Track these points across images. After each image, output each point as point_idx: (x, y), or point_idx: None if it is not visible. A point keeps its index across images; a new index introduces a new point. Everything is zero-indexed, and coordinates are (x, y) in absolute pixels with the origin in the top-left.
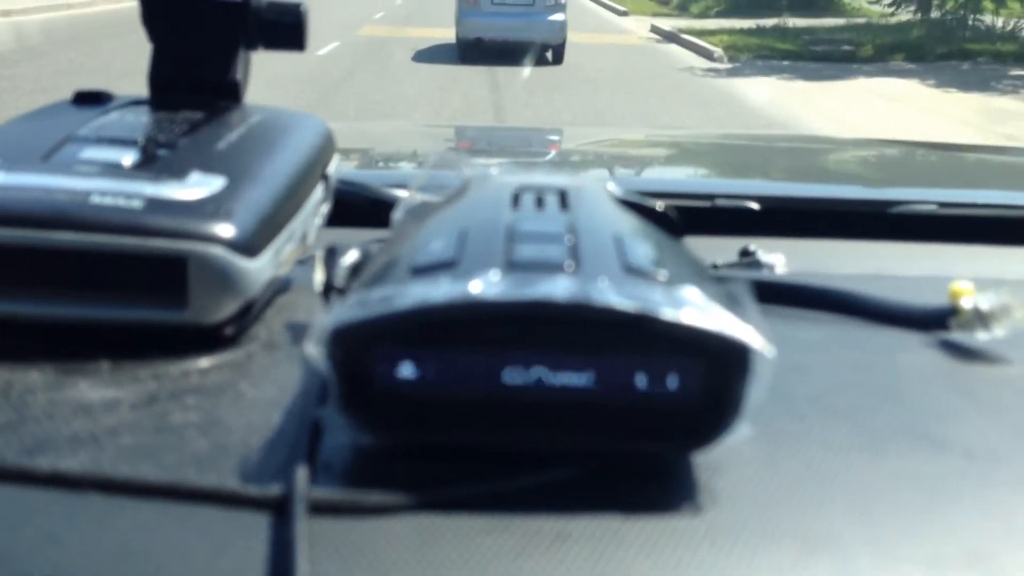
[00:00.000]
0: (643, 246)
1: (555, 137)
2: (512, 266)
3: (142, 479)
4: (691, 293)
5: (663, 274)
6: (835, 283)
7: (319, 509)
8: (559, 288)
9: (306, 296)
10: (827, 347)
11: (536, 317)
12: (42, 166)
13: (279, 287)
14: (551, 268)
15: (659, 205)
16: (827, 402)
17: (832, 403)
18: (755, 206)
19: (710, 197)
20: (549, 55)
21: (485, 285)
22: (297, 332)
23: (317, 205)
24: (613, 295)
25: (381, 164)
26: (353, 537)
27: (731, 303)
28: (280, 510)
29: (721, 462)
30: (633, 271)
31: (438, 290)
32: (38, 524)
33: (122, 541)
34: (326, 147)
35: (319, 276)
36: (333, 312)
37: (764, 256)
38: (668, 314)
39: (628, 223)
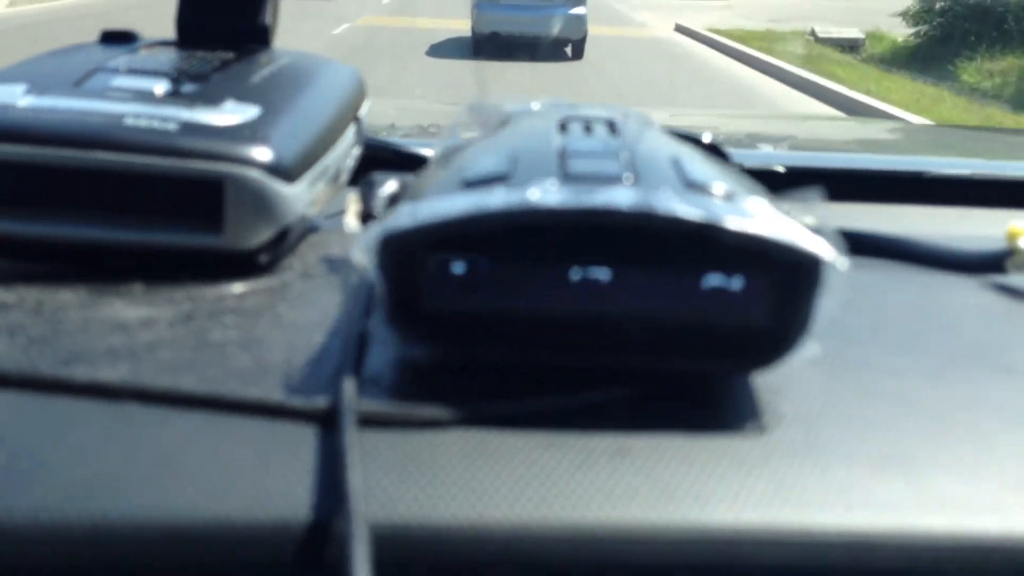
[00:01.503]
0: (701, 164)
1: None
2: (569, 178)
3: (183, 390)
4: (757, 204)
5: (725, 189)
6: None
7: (368, 422)
8: (621, 197)
9: (339, 237)
10: (883, 287)
11: (598, 226)
12: (74, 90)
13: (311, 226)
14: (609, 180)
15: (706, 137)
16: (887, 334)
17: (893, 335)
18: (782, 170)
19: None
20: (568, 50)
21: (543, 193)
22: (333, 264)
23: (349, 146)
24: (677, 204)
25: (407, 133)
26: (403, 451)
27: (799, 216)
28: (327, 422)
29: (783, 385)
30: (694, 186)
31: (494, 198)
32: (77, 434)
33: (163, 452)
34: (358, 89)
35: (354, 207)
36: (383, 221)
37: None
38: (735, 223)
39: (681, 146)
